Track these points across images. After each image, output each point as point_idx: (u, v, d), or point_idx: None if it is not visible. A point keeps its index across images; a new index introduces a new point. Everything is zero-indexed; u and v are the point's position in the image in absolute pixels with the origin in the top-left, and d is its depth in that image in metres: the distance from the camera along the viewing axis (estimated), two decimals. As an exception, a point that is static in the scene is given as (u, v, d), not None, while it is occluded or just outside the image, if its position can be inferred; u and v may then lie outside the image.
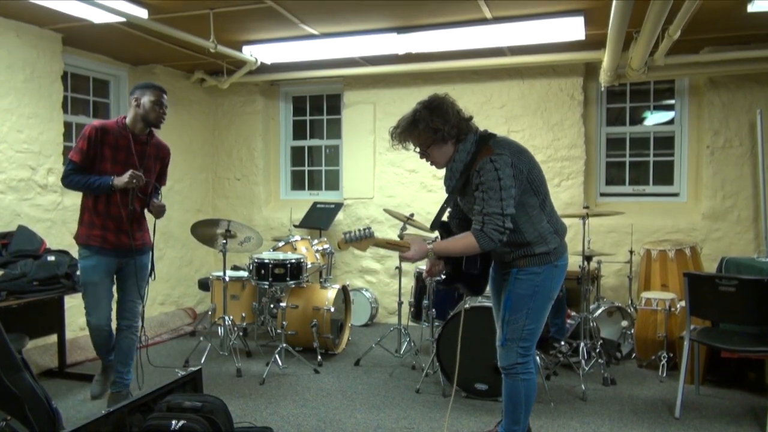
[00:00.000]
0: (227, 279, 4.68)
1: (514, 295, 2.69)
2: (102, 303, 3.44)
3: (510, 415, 2.80)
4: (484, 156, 2.53)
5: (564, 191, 5.60)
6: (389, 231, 6.08)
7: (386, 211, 4.86)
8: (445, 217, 2.89)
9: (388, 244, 2.77)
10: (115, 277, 3.54)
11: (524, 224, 2.61)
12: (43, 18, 4.36)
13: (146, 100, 3.41)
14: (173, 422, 2.32)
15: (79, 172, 3.31)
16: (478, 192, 2.52)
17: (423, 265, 4.76)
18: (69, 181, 3.34)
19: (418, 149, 2.71)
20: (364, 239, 2.68)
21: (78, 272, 3.54)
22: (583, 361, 4.17)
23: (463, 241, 2.56)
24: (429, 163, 2.75)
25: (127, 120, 3.45)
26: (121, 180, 3.29)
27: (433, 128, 2.59)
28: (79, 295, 4.56)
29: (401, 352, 4.81)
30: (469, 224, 2.62)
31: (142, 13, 4.04)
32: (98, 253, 3.39)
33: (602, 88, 5.36)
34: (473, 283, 2.81)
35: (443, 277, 2.86)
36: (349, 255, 6.31)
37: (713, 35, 4.66)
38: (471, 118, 2.71)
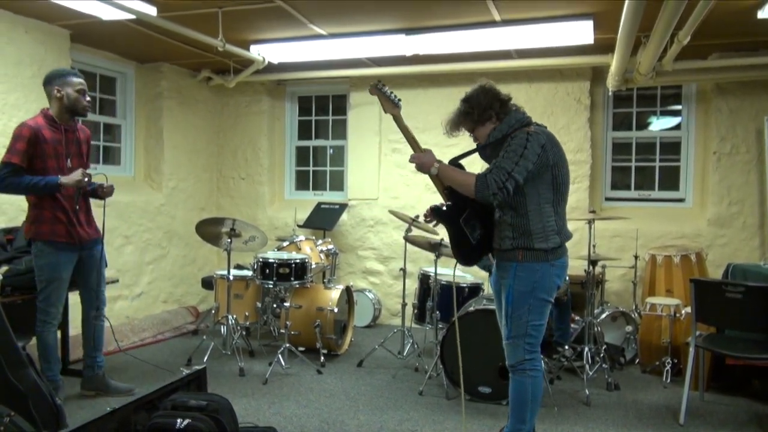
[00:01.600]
0: (231, 278, 4.67)
1: (515, 291, 2.75)
2: (62, 298, 3.55)
3: (517, 413, 2.81)
4: (522, 129, 2.72)
5: (569, 195, 5.55)
6: (393, 232, 6.08)
7: (391, 212, 4.85)
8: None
9: (407, 131, 2.93)
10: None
11: (533, 212, 2.71)
12: (52, 14, 4.36)
13: (70, 90, 3.43)
14: (178, 421, 2.31)
15: (15, 174, 3.29)
16: (501, 152, 2.69)
17: (429, 267, 4.75)
18: (7, 184, 3.29)
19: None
20: (391, 102, 2.92)
21: (41, 269, 3.47)
22: (587, 366, 4.15)
23: (464, 177, 2.74)
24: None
25: (53, 112, 3.45)
26: (72, 179, 3.35)
27: (464, 112, 2.85)
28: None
29: (404, 353, 4.80)
30: (490, 236, 2.83)
31: (151, 10, 4.04)
32: (64, 249, 3.47)
33: (609, 93, 5.35)
34: (464, 245, 2.86)
35: (443, 207, 2.92)
36: (353, 256, 6.30)
37: (722, 41, 4.64)
38: (509, 99, 2.86)
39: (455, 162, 2.94)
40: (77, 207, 3.51)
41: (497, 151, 2.76)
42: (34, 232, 3.45)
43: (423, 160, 2.85)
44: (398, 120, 2.93)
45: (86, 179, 3.40)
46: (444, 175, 2.83)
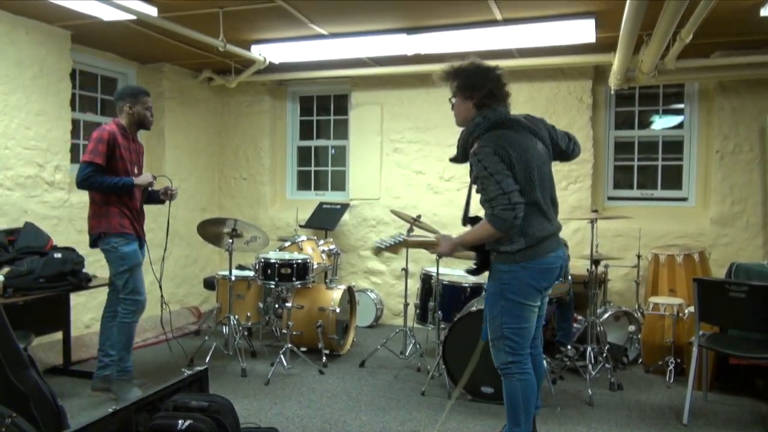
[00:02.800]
0: (233, 278, 4.67)
1: (488, 292, 2.82)
2: (143, 281, 3.85)
3: (511, 416, 2.80)
4: (474, 149, 2.68)
5: (571, 195, 5.57)
6: (395, 232, 6.06)
7: (393, 212, 4.84)
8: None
9: (420, 244, 2.99)
10: None
11: None
12: (53, 15, 4.36)
13: (140, 108, 3.81)
14: (180, 422, 2.30)
15: (98, 174, 3.59)
16: (478, 185, 2.66)
17: (431, 267, 4.75)
18: (92, 182, 3.58)
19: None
20: (397, 244, 2.94)
21: (122, 258, 3.74)
22: (589, 366, 4.15)
23: (481, 229, 2.68)
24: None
25: (124, 123, 3.81)
26: (144, 180, 3.79)
27: (453, 74, 2.85)
28: (85, 292, 4.60)
29: (406, 353, 4.79)
30: None
31: (152, 11, 4.03)
32: (134, 239, 3.79)
33: (611, 92, 5.33)
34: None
35: (474, 266, 2.89)
36: (355, 256, 6.29)
37: (725, 39, 4.62)
38: (503, 98, 2.81)
39: (468, 217, 2.90)
40: (140, 207, 3.89)
41: (461, 153, 2.81)
42: (106, 226, 3.70)
43: (447, 246, 2.81)
44: (411, 245, 3.07)
45: (154, 182, 3.88)
46: (468, 242, 2.79)
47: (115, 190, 3.66)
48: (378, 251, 2.94)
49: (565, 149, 3.05)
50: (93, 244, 3.80)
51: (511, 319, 2.71)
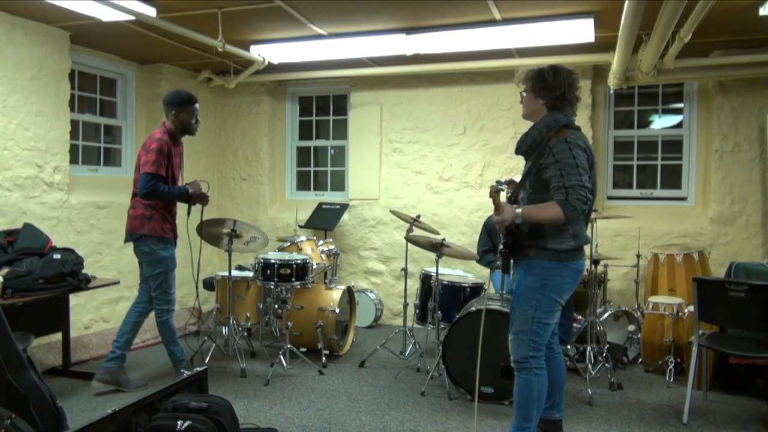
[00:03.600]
0: (232, 279, 4.67)
1: (523, 286, 2.82)
2: (175, 288, 4.04)
3: (522, 412, 2.82)
4: (559, 135, 2.71)
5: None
6: (395, 232, 6.07)
7: (392, 212, 4.85)
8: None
9: (493, 199, 2.92)
10: None
11: None
12: (52, 16, 4.35)
13: (185, 116, 3.90)
14: (179, 422, 2.30)
15: (161, 184, 3.76)
16: (555, 169, 2.68)
17: (430, 267, 4.75)
18: (156, 193, 3.74)
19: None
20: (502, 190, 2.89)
21: (159, 261, 3.91)
22: (589, 366, 4.15)
23: (550, 210, 2.67)
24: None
25: (172, 128, 3.91)
26: (197, 188, 3.94)
27: (533, 77, 2.86)
28: (84, 293, 4.60)
29: (406, 354, 4.79)
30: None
31: (150, 11, 4.03)
32: (172, 244, 3.95)
33: (611, 91, 5.33)
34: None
35: (503, 251, 2.90)
36: (354, 256, 6.29)
37: (724, 38, 4.62)
38: (572, 103, 2.86)
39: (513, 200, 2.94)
40: (189, 213, 4.05)
41: (531, 149, 2.83)
42: (149, 229, 3.84)
43: (506, 217, 2.76)
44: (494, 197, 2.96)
45: (204, 192, 4.01)
46: (529, 217, 2.76)
47: (172, 198, 3.84)
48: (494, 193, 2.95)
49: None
50: (130, 241, 3.94)
51: (543, 315, 2.78)
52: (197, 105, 3.95)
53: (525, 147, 2.89)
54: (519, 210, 2.73)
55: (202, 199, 4.02)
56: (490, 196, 2.78)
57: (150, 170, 3.71)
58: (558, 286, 2.77)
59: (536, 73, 2.87)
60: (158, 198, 3.79)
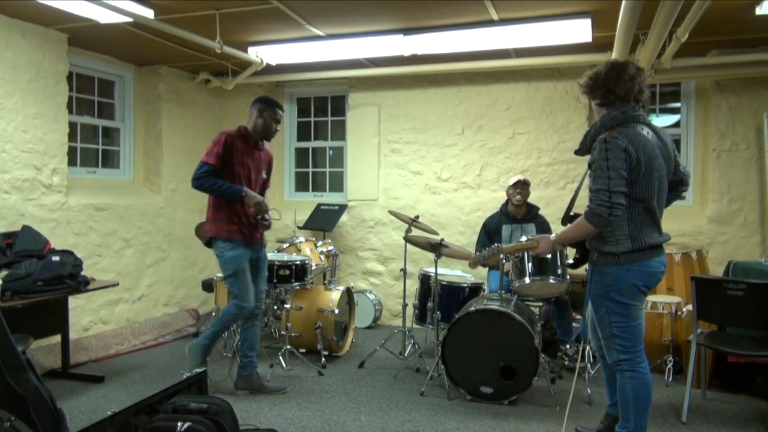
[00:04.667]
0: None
1: (591, 295, 2.87)
2: (250, 287, 3.85)
3: (622, 412, 2.90)
4: (607, 134, 2.65)
5: (569, 194, 5.56)
6: (393, 233, 6.08)
7: (391, 212, 4.85)
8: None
9: (516, 250, 3.14)
10: None
11: None
12: (49, 18, 4.35)
13: (268, 116, 3.84)
14: (179, 424, 2.31)
15: (210, 175, 3.66)
16: (591, 172, 2.69)
17: (429, 268, 4.76)
18: (203, 182, 3.66)
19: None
20: (493, 255, 3.06)
21: (226, 262, 3.81)
22: (588, 365, 4.15)
23: (578, 226, 2.74)
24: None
25: (249, 128, 3.86)
26: (254, 198, 3.74)
27: (588, 82, 2.83)
28: (83, 295, 4.60)
29: (405, 354, 4.79)
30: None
31: (148, 13, 4.03)
32: (240, 245, 3.80)
33: (608, 91, 5.32)
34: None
35: (572, 261, 3.03)
36: (353, 257, 6.30)
37: (721, 38, 4.64)
38: (627, 97, 2.73)
39: (568, 216, 3.01)
40: (261, 219, 3.87)
41: (588, 145, 2.81)
42: (215, 231, 3.80)
43: (544, 249, 2.91)
44: (508, 252, 3.18)
45: (262, 208, 3.80)
46: (565, 240, 2.88)
47: (223, 194, 3.71)
48: (474, 264, 3.25)
49: (679, 180, 2.97)
50: (207, 245, 3.93)
51: (618, 319, 2.77)
52: (282, 112, 3.92)
53: (585, 147, 2.85)
54: (553, 238, 2.86)
55: (260, 208, 3.78)
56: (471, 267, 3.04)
57: (202, 158, 3.69)
58: (624, 290, 2.72)
59: (584, 79, 2.87)
60: (205, 188, 3.69)
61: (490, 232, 4.85)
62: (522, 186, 4.73)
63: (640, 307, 2.80)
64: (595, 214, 2.60)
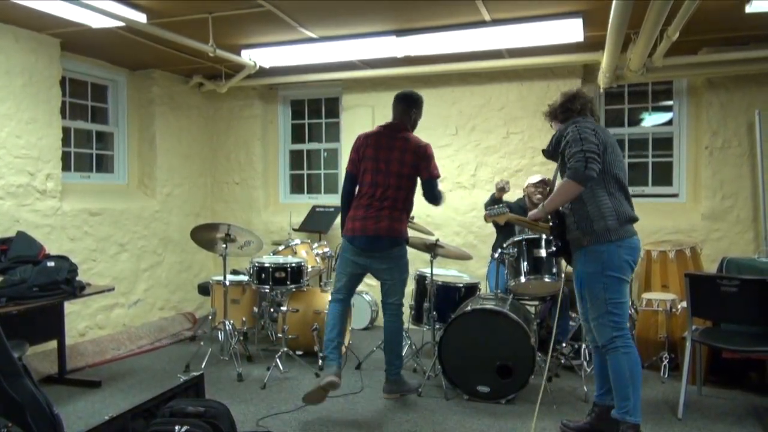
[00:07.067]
0: (227, 283, 4.67)
1: (584, 273, 3.05)
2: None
3: (619, 392, 2.97)
4: (576, 122, 3.06)
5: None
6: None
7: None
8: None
9: (519, 222, 3.42)
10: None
11: (587, 196, 3.00)
12: (42, 23, 4.35)
13: (417, 115, 4.04)
14: (176, 428, 2.31)
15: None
16: (567, 150, 2.95)
17: (425, 268, 4.76)
18: (439, 195, 3.85)
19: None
20: (502, 214, 3.37)
21: (407, 263, 3.91)
22: (584, 363, 4.16)
23: (560, 188, 2.97)
24: None
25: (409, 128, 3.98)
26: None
27: (551, 107, 3.33)
28: (79, 300, 4.61)
29: (402, 354, 4.79)
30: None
31: (140, 17, 4.03)
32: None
33: (600, 90, 5.36)
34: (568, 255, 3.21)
35: (554, 249, 3.24)
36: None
37: (712, 36, 4.67)
38: (583, 111, 3.19)
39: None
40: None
41: (557, 149, 3.13)
42: (406, 233, 3.88)
43: (538, 216, 3.13)
44: (512, 220, 3.41)
45: None
46: (551, 205, 3.05)
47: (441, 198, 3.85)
48: (488, 218, 3.51)
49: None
50: (390, 246, 3.78)
51: (614, 294, 2.97)
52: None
53: (551, 147, 3.19)
54: (542, 206, 3.05)
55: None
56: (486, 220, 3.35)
57: (439, 173, 3.84)
58: (618, 266, 2.96)
59: (545, 110, 3.37)
60: (439, 199, 3.85)
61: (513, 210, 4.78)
62: (543, 185, 4.74)
63: (628, 282, 3.03)
64: (572, 169, 2.85)
